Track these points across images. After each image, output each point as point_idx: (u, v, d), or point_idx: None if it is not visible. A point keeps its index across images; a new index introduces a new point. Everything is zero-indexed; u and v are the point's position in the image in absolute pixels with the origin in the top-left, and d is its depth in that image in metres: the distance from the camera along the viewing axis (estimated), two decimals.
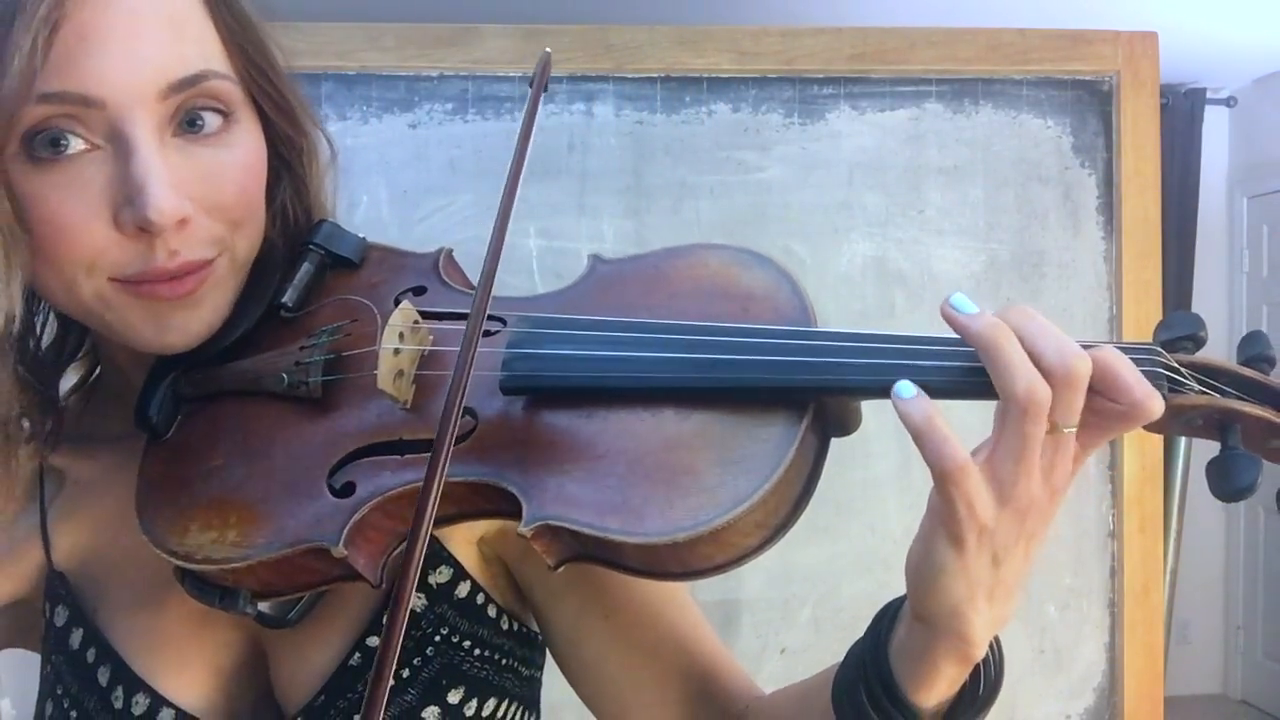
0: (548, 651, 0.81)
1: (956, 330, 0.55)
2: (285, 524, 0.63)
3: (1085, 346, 0.54)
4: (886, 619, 0.62)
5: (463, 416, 0.58)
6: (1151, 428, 0.56)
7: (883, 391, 0.56)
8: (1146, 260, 1.79)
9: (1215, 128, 4.68)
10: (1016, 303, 1.77)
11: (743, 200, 1.77)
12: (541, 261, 1.75)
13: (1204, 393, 0.57)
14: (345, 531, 0.61)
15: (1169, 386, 0.56)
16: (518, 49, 1.74)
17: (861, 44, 1.77)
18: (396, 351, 0.63)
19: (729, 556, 0.58)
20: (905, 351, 0.57)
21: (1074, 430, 0.54)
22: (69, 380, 0.80)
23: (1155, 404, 0.53)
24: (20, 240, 0.61)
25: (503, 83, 1.75)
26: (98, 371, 0.81)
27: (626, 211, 1.77)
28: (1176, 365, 0.58)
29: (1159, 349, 0.58)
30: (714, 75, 1.76)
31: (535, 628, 0.80)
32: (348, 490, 0.63)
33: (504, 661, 0.75)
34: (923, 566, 0.56)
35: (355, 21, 1.76)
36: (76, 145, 0.61)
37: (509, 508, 0.60)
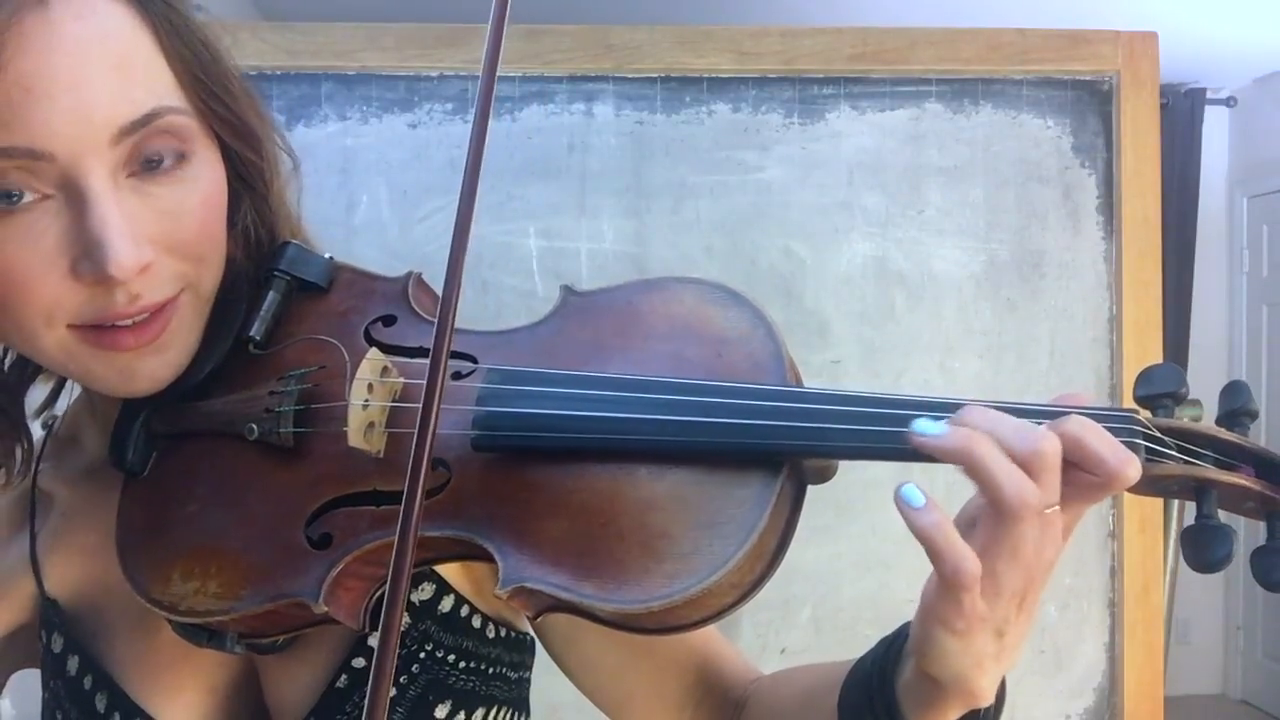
0: (545, 649, 0.81)
1: (926, 452, 0.53)
2: (265, 577, 0.63)
3: (1057, 414, 0.54)
4: (893, 652, 0.62)
5: (435, 469, 0.57)
6: (1128, 490, 0.55)
7: (862, 456, 0.56)
8: (1146, 260, 1.79)
9: (1215, 128, 4.69)
10: (1017, 303, 1.78)
11: (743, 200, 1.77)
12: (541, 262, 1.75)
13: (1182, 460, 0.56)
14: (325, 586, 0.61)
15: (1147, 456, 0.55)
16: (518, 49, 1.74)
17: (861, 44, 1.77)
18: (366, 405, 0.63)
19: (705, 615, 0.58)
20: (887, 417, 0.56)
21: (1057, 508, 0.53)
22: (40, 392, 0.78)
23: (1131, 471, 0.52)
24: None
25: (503, 82, 1.75)
26: (75, 394, 0.79)
27: (626, 211, 1.77)
28: (1156, 433, 0.56)
29: (1137, 415, 0.56)
30: (714, 75, 1.76)
31: (524, 628, 0.80)
32: (325, 542, 0.63)
33: (491, 670, 0.75)
34: (926, 648, 0.56)
35: (355, 21, 1.76)
36: (29, 196, 0.58)
37: (485, 555, 0.60)
